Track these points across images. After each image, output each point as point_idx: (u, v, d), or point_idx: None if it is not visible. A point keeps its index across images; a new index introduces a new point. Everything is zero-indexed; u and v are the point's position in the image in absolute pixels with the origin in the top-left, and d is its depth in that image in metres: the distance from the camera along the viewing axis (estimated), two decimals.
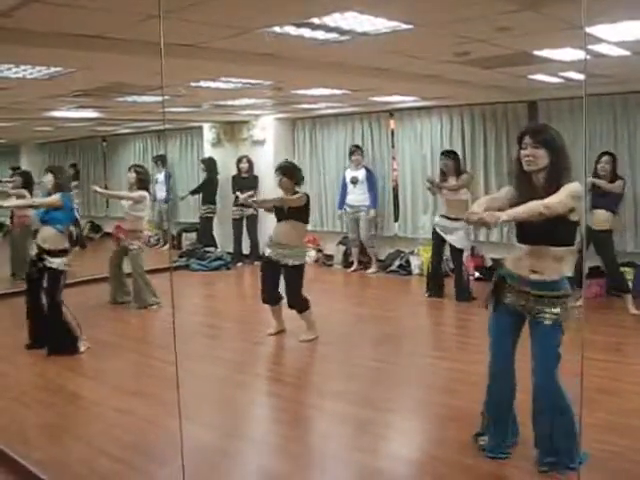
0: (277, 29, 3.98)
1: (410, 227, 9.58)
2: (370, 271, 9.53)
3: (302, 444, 4.05)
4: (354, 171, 9.50)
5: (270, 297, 6.23)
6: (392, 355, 5.74)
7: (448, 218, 7.64)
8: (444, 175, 7.81)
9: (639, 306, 6.74)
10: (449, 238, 7.67)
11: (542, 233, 3.28)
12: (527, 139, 3.32)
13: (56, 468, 3.65)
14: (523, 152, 3.33)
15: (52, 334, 5.88)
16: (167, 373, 4.55)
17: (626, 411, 4.19)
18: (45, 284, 5.92)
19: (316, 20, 3.81)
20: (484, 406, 3.72)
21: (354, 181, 9.45)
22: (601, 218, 6.68)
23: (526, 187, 3.37)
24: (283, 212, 6.07)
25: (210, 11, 3.49)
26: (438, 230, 7.74)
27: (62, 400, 4.79)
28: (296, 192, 6.07)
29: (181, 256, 10.68)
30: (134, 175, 7.71)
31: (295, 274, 6.05)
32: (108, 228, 13.96)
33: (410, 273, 9.25)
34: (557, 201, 3.16)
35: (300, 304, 6.10)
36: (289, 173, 6.11)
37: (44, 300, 5.94)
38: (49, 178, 6.03)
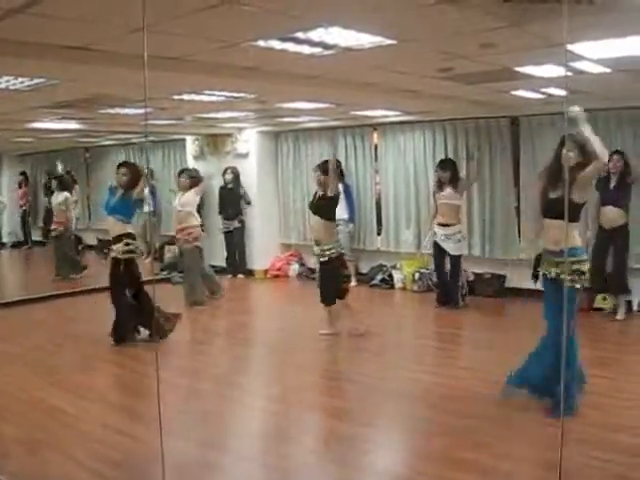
0: (262, 43, 4.00)
1: (393, 241, 9.57)
2: (351, 284, 9.51)
3: (287, 459, 4.01)
4: None
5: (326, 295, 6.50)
6: (379, 369, 5.70)
7: (445, 225, 7.72)
8: (441, 184, 7.90)
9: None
10: (446, 246, 7.76)
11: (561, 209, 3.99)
12: (569, 145, 4.27)
13: None
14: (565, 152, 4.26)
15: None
16: (149, 387, 4.51)
17: (611, 426, 4.17)
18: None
19: (301, 35, 3.82)
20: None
21: None
22: (610, 216, 6.68)
23: (557, 176, 4.35)
24: (313, 206, 6.50)
25: (194, 24, 3.48)
26: (438, 240, 7.81)
27: (41, 413, 4.71)
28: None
29: (163, 269, 10.62)
30: (188, 180, 8.31)
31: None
32: (90, 240, 13.81)
33: (392, 287, 9.25)
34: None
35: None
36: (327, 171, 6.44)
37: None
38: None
